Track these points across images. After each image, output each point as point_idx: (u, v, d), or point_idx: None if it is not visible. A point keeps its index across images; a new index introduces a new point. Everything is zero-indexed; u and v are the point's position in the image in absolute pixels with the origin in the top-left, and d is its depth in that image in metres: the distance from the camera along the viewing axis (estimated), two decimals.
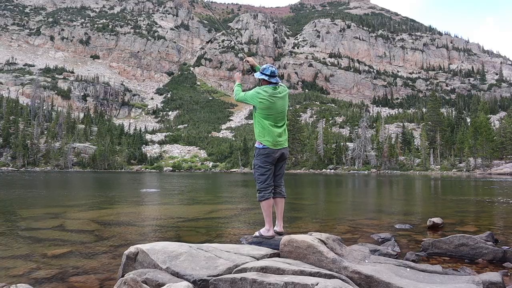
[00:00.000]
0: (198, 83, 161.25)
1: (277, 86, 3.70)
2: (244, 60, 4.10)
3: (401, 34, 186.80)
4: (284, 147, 3.73)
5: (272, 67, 3.74)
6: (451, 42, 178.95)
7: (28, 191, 12.63)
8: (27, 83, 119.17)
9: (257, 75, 3.77)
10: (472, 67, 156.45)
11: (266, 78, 3.68)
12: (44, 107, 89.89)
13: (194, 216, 6.37)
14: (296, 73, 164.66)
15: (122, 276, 2.55)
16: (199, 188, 16.44)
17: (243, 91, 3.90)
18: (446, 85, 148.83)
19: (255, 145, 3.73)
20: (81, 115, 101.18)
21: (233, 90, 3.98)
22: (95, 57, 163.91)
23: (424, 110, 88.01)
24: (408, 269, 2.65)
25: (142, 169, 70.65)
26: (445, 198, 10.74)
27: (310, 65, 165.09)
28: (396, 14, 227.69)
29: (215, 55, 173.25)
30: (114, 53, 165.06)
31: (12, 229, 4.82)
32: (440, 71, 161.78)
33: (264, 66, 3.76)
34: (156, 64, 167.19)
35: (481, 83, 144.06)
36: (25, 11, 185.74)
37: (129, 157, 76.69)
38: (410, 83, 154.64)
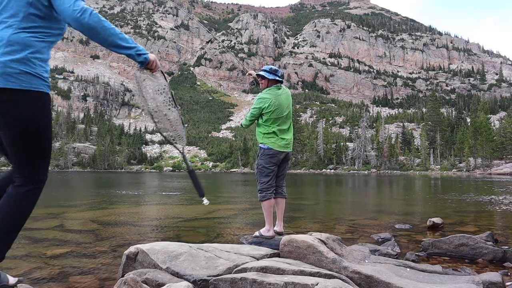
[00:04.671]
0: (198, 83, 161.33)
1: (279, 86, 3.73)
2: (247, 74, 4.09)
3: (401, 34, 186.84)
4: (290, 151, 3.75)
5: (280, 70, 3.80)
6: (451, 42, 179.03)
7: None
8: None
9: (271, 76, 3.67)
10: (472, 67, 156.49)
11: (280, 79, 3.71)
12: None
13: (194, 216, 6.37)
14: (296, 73, 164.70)
15: (122, 276, 2.55)
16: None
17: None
18: (446, 85, 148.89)
19: (259, 145, 3.71)
20: (81, 115, 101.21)
21: (241, 125, 4.04)
22: (95, 57, 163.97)
23: (424, 110, 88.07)
24: (408, 269, 2.65)
25: (142, 169, 70.67)
26: (445, 198, 10.74)
27: (310, 65, 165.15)
28: (396, 14, 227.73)
29: (215, 55, 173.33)
30: (114, 53, 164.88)
31: None
32: (440, 71, 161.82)
33: (274, 67, 3.76)
34: None
35: (481, 83, 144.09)
36: None
37: (129, 157, 76.74)
38: (410, 83, 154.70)
